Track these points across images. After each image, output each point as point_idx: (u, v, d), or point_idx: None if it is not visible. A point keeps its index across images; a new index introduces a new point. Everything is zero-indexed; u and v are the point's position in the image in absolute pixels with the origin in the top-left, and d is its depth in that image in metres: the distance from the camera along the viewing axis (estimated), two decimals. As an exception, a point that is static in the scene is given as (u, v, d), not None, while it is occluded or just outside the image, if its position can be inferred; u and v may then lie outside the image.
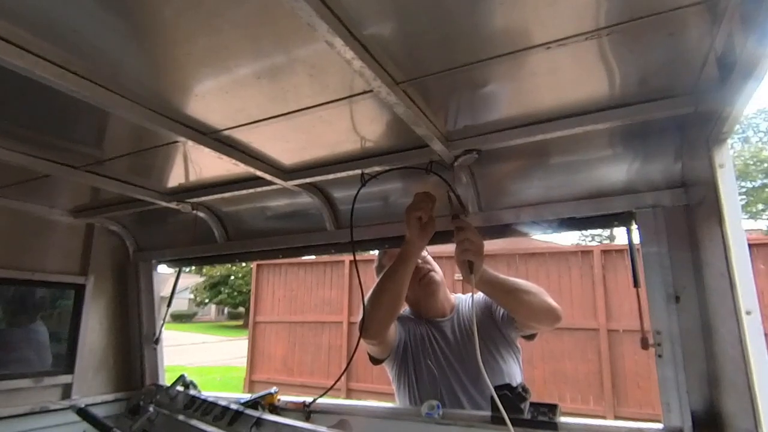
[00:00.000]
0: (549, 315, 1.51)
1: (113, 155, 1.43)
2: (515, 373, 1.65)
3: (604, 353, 6.25)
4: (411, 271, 1.50)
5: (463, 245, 1.34)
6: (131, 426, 1.78)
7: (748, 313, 0.93)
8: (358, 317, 1.54)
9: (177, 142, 1.28)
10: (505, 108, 1.12)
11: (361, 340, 1.57)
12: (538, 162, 1.38)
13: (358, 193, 1.45)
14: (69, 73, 0.92)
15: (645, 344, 1.27)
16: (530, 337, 1.70)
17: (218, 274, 28.54)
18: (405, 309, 1.90)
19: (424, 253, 1.84)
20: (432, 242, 1.60)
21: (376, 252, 1.93)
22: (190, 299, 34.64)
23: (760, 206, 20.15)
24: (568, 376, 6.43)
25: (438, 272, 1.78)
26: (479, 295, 1.78)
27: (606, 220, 1.36)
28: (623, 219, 1.33)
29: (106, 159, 1.45)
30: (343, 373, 7.41)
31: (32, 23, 0.80)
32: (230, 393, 2.08)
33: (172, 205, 1.79)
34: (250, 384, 8.68)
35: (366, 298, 1.54)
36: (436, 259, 1.82)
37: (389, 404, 1.75)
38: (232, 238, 2.04)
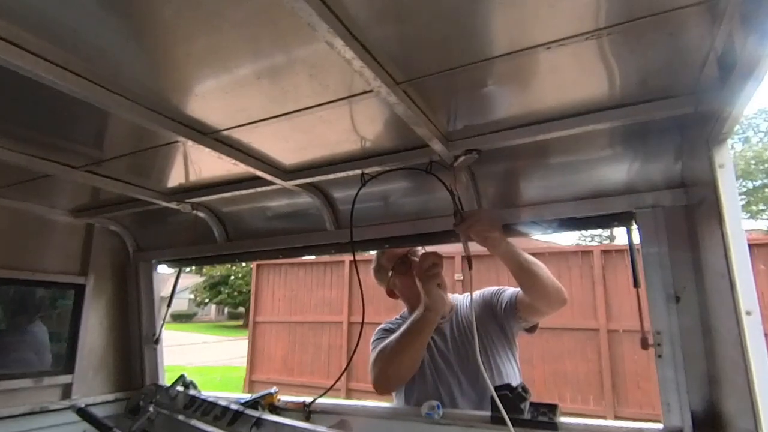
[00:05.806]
0: (558, 295, 1.52)
1: (113, 155, 1.43)
2: (513, 372, 1.64)
3: (604, 353, 6.23)
4: (431, 333, 1.58)
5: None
6: (131, 426, 1.78)
7: (748, 313, 0.93)
8: (358, 317, 1.55)
9: (177, 142, 1.28)
10: (505, 108, 1.12)
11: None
12: (538, 162, 1.38)
13: (358, 193, 1.45)
14: (69, 73, 0.91)
15: (645, 344, 1.27)
16: (532, 329, 1.70)
17: (218, 274, 28.54)
18: (403, 311, 1.90)
19: (420, 251, 1.84)
20: (431, 243, 1.60)
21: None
22: (190, 299, 34.62)
23: (761, 206, 20.15)
24: (568, 376, 6.42)
25: None
26: (478, 293, 1.77)
27: (606, 220, 1.36)
28: (623, 219, 1.33)
29: (106, 159, 1.45)
30: (342, 373, 7.40)
31: (32, 23, 0.80)
32: (230, 393, 2.08)
33: (172, 205, 1.79)
34: (250, 384, 8.66)
35: (379, 352, 1.59)
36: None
37: (389, 404, 1.74)
38: (232, 238, 2.04)
